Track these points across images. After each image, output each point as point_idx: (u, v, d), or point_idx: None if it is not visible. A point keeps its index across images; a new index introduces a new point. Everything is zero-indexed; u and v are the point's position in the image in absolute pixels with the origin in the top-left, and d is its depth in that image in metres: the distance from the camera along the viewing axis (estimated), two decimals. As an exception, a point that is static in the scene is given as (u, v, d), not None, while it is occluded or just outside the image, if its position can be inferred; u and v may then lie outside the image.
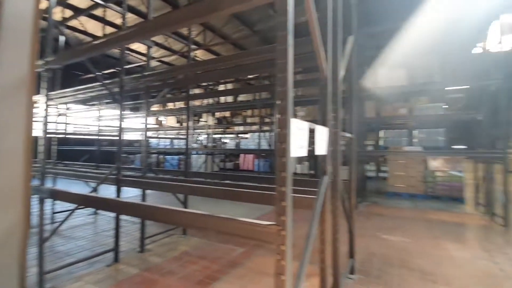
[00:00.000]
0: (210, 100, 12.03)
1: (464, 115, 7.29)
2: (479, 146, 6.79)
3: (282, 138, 1.36)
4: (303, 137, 1.61)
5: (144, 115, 4.45)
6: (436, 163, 7.95)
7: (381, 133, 13.31)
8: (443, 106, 8.56)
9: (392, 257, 3.60)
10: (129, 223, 4.91)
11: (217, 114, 13.49)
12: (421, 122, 9.65)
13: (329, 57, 2.28)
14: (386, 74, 8.39)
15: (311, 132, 1.84)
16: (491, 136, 6.30)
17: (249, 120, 13.10)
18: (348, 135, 3.08)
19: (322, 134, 2.05)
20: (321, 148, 2.02)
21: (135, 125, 11.31)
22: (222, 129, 13.65)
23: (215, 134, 14.05)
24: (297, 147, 1.50)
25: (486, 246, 4.04)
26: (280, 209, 1.34)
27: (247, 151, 13.19)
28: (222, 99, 12.83)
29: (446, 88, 7.45)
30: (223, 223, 1.65)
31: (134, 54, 10.52)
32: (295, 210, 1.50)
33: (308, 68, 6.79)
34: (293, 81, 1.44)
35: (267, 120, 11.19)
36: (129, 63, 10.63)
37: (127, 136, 13.86)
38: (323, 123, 2.21)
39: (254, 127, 12.10)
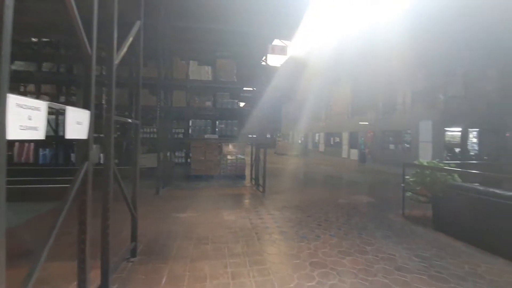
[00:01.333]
0: None
1: (250, 110, 9.40)
2: (258, 134, 9.02)
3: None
4: (35, 117, 1.40)
5: None
6: (228, 149, 9.70)
7: (190, 122, 14.44)
8: (238, 102, 10.54)
9: (177, 231, 4.04)
10: None
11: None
12: (222, 114, 11.45)
13: (94, 34, 2.12)
14: (196, 69, 9.16)
15: (61, 114, 1.65)
16: (267, 127, 8.50)
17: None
18: (130, 120, 3.05)
19: (79, 117, 1.90)
20: (77, 132, 1.87)
21: None
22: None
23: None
24: (20, 128, 1.29)
25: (248, 209, 5.47)
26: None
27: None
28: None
29: (243, 88, 9.29)
30: None
31: None
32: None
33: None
34: (10, 50, 1.21)
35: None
36: None
37: None
38: (86, 106, 2.05)
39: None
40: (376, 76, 14.58)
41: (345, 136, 16.38)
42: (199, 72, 9.12)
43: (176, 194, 6.82)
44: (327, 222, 4.69)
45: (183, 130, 13.27)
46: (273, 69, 19.83)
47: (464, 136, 10.11)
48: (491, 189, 3.68)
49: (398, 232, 4.28)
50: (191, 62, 9.02)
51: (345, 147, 16.48)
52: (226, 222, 4.53)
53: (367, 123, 13.74)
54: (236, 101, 10.78)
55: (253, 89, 10.17)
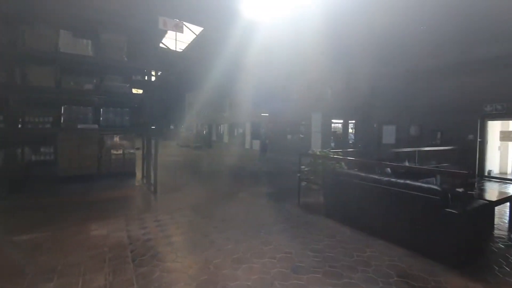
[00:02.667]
0: None
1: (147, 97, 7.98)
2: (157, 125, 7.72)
3: None
4: None
5: None
6: (114, 142, 8.02)
7: (63, 109, 11.44)
8: (130, 87, 8.79)
9: (8, 265, 2.70)
10: None
11: None
12: (109, 100, 9.40)
13: None
14: (71, 41, 7.00)
15: None
16: (170, 117, 7.29)
17: None
18: None
19: None
20: None
21: None
22: None
23: None
24: None
25: (130, 216, 4.40)
26: None
27: None
28: None
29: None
30: None
31: None
32: None
33: None
34: None
35: None
36: None
37: None
38: None
39: None
40: (276, 67, 15.22)
41: (248, 127, 16.63)
42: (75, 46, 7.05)
43: (26, 204, 4.98)
44: (224, 223, 4.20)
45: (51, 119, 10.40)
46: (175, 53, 18.11)
47: (345, 127, 11.69)
48: (370, 175, 3.95)
49: (294, 223, 4.19)
50: (62, 31, 6.83)
51: (247, 137, 16.75)
52: (92, 240, 3.41)
53: (267, 114, 14.23)
54: (128, 85, 9.07)
55: (149, 74, 8.71)
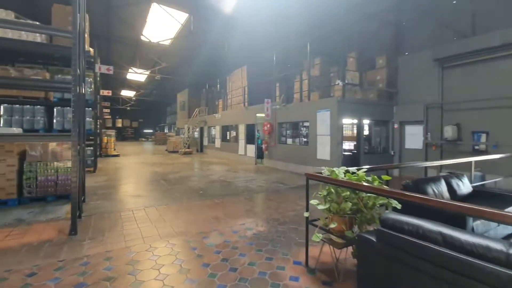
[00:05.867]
0: None
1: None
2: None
3: None
4: None
5: None
6: (38, 151, 5.71)
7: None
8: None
9: None
10: None
11: None
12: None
13: None
14: None
15: None
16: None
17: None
18: None
19: None
20: None
21: None
22: None
23: None
24: None
25: None
26: None
27: None
28: None
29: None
30: None
31: None
32: None
33: None
34: None
35: None
36: None
37: None
38: None
39: None
40: (272, 59, 12.94)
41: (242, 129, 14.32)
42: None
43: None
44: None
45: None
46: (158, 44, 15.79)
47: (360, 127, 9.37)
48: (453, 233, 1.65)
49: None
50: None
51: (241, 142, 14.42)
52: None
53: (263, 114, 11.94)
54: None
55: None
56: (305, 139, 10.48)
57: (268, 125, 11.91)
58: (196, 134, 21.28)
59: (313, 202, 2.78)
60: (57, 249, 3.34)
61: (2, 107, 6.78)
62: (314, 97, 10.39)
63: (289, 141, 11.34)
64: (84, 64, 5.47)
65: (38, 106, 7.09)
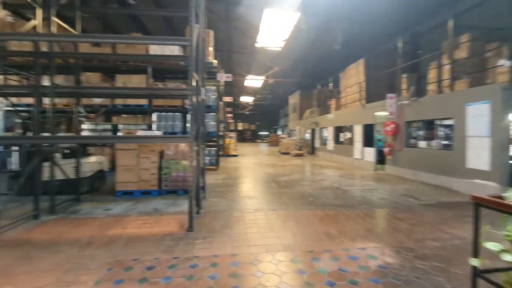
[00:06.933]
0: None
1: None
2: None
3: None
4: None
5: None
6: (171, 151, 6.64)
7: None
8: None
9: None
10: None
11: None
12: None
13: None
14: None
15: None
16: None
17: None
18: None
19: None
20: None
21: None
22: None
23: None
24: None
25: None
26: None
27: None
28: None
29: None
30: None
31: None
32: None
33: None
34: None
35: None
36: None
37: None
38: None
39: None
40: (395, 48, 10.88)
41: (358, 130, 12.78)
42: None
43: (52, 231, 3.83)
44: None
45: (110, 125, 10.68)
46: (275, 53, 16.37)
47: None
48: None
49: None
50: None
51: (357, 144, 12.89)
52: None
53: (384, 113, 10.15)
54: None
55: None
56: (446, 142, 8.14)
57: (392, 125, 10.03)
58: (308, 136, 20.86)
59: (491, 246, 1.71)
60: (175, 244, 3.56)
61: (155, 115, 8.44)
62: (460, 86, 7.92)
63: (422, 144, 9.13)
64: (204, 74, 5.96)
65: (177, 113, 8.29)
